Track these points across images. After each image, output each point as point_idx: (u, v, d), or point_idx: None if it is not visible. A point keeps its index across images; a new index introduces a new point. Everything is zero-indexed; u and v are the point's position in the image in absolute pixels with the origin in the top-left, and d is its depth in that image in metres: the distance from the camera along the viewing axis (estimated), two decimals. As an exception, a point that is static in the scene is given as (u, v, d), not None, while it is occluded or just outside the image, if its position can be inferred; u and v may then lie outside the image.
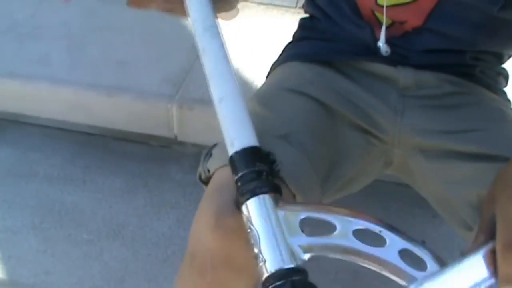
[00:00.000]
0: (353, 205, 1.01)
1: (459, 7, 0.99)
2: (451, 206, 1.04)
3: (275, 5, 2.01)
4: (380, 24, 1.04)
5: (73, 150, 1.82)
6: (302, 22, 1.22)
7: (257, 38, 1.84)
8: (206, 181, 0.94)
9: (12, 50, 1.86)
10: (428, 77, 1.06)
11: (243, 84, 1.67)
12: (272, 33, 1.86)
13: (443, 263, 0.72)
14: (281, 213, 0.72)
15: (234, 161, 0.74)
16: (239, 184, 0.73)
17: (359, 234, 0.73)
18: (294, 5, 2.01)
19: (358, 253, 0.72)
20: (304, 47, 1.17)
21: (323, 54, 1.12)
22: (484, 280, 0.69)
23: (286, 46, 1.22)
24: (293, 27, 1.23)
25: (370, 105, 1.07)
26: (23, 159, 1.81)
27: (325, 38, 1.14)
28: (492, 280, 0.69)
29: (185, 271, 0.85)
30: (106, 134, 1.84)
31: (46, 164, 1.78)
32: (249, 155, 0.74)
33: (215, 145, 0.95)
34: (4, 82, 1.78)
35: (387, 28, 1.04)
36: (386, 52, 1.03)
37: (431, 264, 0.71)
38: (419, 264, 0.73)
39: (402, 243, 0.73)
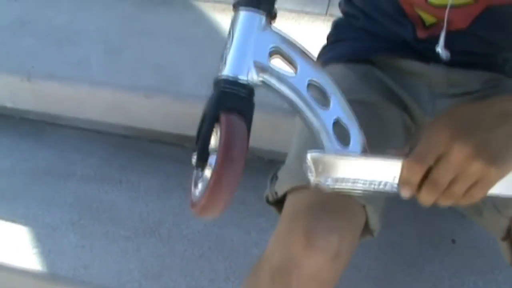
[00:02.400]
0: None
1: (504, 15, 1.01)
2: (476, 207, 1.06)
3: (305, 12, 2.04)
4: (422, 22, 1.06)
5: (109, 152, 1.86)
6: (337, 23, 1.24)
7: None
8: (273, 203, 1.03)
9: (52, 54, 1.90)
10: (460, 75, 1.08)
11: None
12: (303, 40, 1.87)
13: (365, 151, 0.78)
14: (261, 33, 0.77)
15: None
16: None
17: (312, 87, 0.78)
18: (325, 12, 2.03)
19: (301, 99, 0.77)
20: (341, 48, 1.19)
21: (360, 52, 1.15)
22: (389, 181, 0.75)
23: (322, 50, 1.24)
24: (323, 34, 1.25)
25: (406, 101, 1.10)
26: (61, 159, 1.85)
27: (361, 37, 1.16)
28: (396, 183, 0.75)
29: (264, 285, 0.93)
30: (141, 136, 1.88)
31: (83, 165, 1.82)
32: None
33: (278, 168, 1.02)
34: (45, 84, 1.83)
35: (430, 26, 1.06)
36: (446, 57, 1.03)
37: (354, 146, 0.77)
38: (344, 140, 0.78)
39: (341, 114, 0.78)
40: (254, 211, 1.61)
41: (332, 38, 1.23)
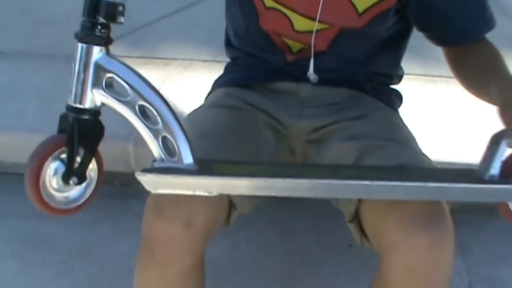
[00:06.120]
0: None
1: (356, 36, 1.16)
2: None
3: (217, 61, 2.20)
4: (290, 49, 1.22)
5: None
6: (226, 65, 1.42)
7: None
8: None
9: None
10: (324, 91, 1.22)
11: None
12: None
13: (194, 161, 0.88)
14: (98, 63, 0.87)
15: (87, 4, 0.87)
16: (81, 25, 0.87)
17: (144, 108, 0.87)
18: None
19: (134, 118, 0.87)
20: (227, 77, 1.37)
21: (241, 80, 1.31)
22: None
23: (213, 83, 1.40)
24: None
25: (276, 111, 1.24)
26: (3, 201, 2.00)
27: (243, 70, 1.34)
28: None
29: (140, 254, 1.08)
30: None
31: (23, 204, 1.82)
32: (94, 5, 0.86)
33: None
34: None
35: (297, 52, 1.21)
36: (314, 79, 1.19)
37: (182, 156, 0.87)
38: (174, 152, 0.88)
39: (169, 130, 0.87)
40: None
41: (222, 74, 1.42)
